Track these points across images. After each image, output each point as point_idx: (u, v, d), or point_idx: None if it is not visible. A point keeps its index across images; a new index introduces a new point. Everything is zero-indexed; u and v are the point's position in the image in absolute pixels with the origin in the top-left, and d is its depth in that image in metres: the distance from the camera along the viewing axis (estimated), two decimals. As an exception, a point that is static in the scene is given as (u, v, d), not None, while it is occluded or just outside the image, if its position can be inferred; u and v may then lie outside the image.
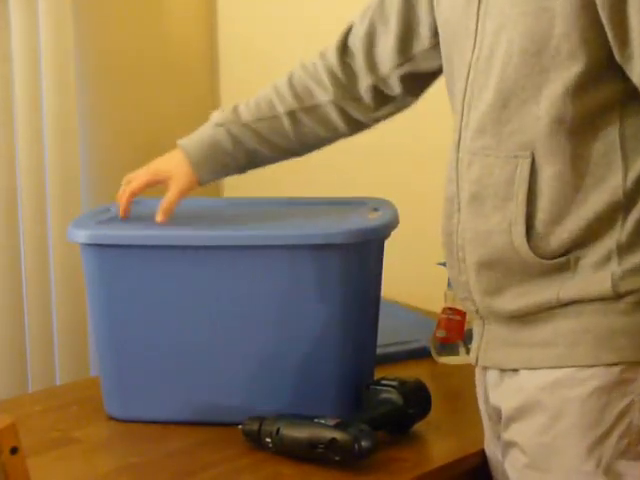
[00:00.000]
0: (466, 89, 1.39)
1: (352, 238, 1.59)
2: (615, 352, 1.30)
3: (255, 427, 1.55)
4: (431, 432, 1.63)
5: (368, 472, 1.49)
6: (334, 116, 1.62)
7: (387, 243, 1.68)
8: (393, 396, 1.59)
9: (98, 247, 1.64)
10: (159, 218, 1.64)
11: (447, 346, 1.94)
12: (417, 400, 1.62)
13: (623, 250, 1.30)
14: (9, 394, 2.23)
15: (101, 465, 1.58)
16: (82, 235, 1.64)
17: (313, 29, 2.46)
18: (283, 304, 1.61)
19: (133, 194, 1.69)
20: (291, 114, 1.62)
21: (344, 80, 1.61)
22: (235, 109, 1.66)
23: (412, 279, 2.27)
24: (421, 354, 1.97)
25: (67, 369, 2.35)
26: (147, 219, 1.76)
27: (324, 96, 1.61)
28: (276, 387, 1.64)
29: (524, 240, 1.33)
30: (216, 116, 1.67)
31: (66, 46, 2.31)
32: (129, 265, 1.63)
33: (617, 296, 1.30)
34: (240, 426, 1.58)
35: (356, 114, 1.62)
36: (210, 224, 1.70)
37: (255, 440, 1.56)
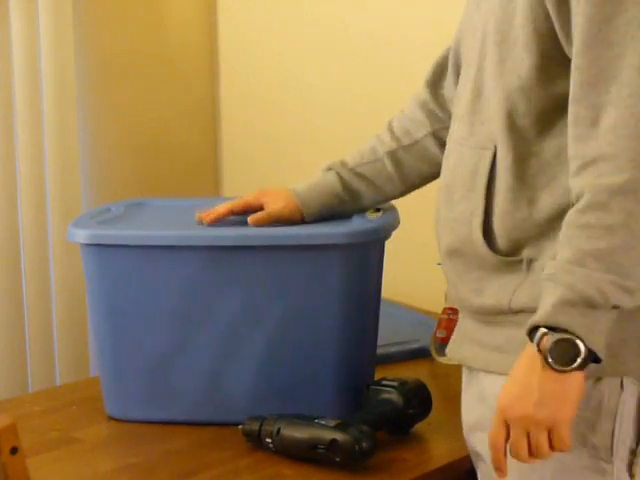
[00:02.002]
0: (461, 82, 1.41)
1: (353, 238, 1.59)
2: None
3: (255, 427, 1.55)
4: (431, 432, 1.63)
5: (368, 472, 1.49)
6: (434, 149, 1.60)
7: (387, 243, 1.68)
8: (393, 396, 1.59)
9: (98, 247, 1.64)
10: (251, 219, 1.62)
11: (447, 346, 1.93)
12: (417, 400, 1.62)
13: None
14: (9, 394, 2.23)
15: (101, 465, 1.58)
16: (82, 235, 1.64)
17: (313, 29, 2.47)
18: (284, 304, 1.61)
19: (229, 210, 1.66)
20: (391, 154, 1.61)
21: (438, 111, 1.59)
22: (342, 159, 1.66)
23: (412, 279, 2.27)
24: (421, 354, 1.97)
25: (67, 369, 2.35)
26: (147, 219, 1.76)
27: (421, 131, 1.60)
28: (276, 387, 1.64)
29: (480, 232, 1.32)
30: (324, 165, 1.67)
31: (66, 46, 2.31)
32: (129, 265, 1.63)
33: None
34: (240, 426, 1.58)
35: None
36: (210, 224, 1.70)
37: (255, 440, 1.56)
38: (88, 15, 2.41)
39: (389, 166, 1.62)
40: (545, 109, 1.28)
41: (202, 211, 1.67)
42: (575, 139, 1.22)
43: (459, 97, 1.40)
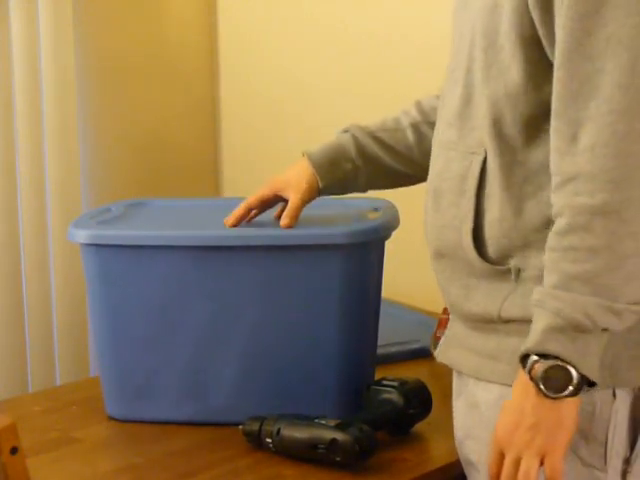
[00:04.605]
0: (448, 84, 1.39)
1: (353, 238, 1.59)
2: None
3: (255, 427, 1.55)
4: (432, 432, 1.63)
5: (369, 472, 1.49)
6: None
7: (387, 243, 1.68)
8: (394, 396, 1.59)
9: (98, 247, 1.64)
10: (284, 222, 1.58)
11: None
12: (418, 400, 1.62)
13: None
14: (9, 394, 2.23)
15: (101, 465, 1.59)
16: (82, 235, 1.64)
17: (313, 29, 2.47)
18: (283, 304, 1.61)
19: (248, 206, 1.62)
20: (415, 126, 1.58)
21: None
22: (360, 124, 1.62)
23: (412, 279, 2.27)
24: (422, 354, 1.96)
25: (67, 369, 2.34)
26: (148, 219, 1.76)
27: None
28: (276, 387, 1.63)
29: (470, 239, 1.30)
30: (341, 127, 1.63)
31: (66, 46, 2.31)
32: (129, 265, 1.63)
33: None
34: (240, 426, 1.58)
35: None
36: (210, 224, 1.70)
37: (255, 440, 1.56)
38: (88, 15, 2.41)
39: (411, 137, 1.58)
40: (531, 117, 1.26)
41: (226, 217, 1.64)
42: (556, 152, 1.20)
43: (445, 99, 1.38)
